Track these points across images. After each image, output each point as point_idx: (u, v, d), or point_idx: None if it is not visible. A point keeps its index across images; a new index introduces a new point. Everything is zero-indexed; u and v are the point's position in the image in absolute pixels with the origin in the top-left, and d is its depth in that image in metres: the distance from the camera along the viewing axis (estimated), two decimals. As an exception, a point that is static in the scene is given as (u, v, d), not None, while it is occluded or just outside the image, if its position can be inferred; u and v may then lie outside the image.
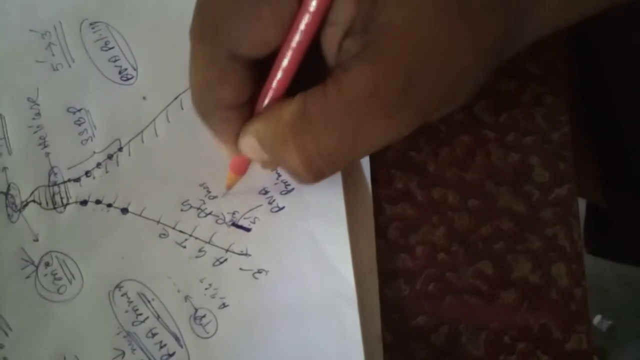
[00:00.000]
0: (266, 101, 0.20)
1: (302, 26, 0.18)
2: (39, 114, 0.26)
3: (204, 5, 0.19)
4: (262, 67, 0.20)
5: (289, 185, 0.25)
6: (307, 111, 0.18)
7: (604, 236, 0.45)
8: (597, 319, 0.87)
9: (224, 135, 0.21)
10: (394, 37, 0.17)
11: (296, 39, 0.18)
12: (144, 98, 0.26)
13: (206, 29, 0.19)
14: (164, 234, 0.25)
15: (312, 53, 0.19)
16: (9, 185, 0.26)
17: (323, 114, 0.18)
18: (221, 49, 0.19)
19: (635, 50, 0.34)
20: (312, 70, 0.19)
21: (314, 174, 0.19)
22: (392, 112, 0.18)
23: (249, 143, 0.20)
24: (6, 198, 0.26)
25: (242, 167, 0.23)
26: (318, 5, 0.18)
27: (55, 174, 0.26)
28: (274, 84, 0.20)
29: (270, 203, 0.24)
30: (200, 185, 0.25)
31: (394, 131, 0.19)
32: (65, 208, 0.25)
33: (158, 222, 0.25)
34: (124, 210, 0.25)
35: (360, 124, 0.18)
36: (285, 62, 0.19)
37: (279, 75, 0.19)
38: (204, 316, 0.24)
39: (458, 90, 0.19)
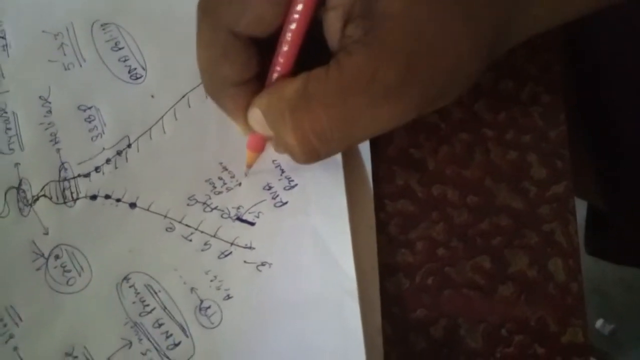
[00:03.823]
0: (274, 77, 0.21)
1: (299, 4, 0.19)
2: (50, 111, 0.27)
3: None
4: (271, 45, 0.20)
5: (292, 181, 0.25)
6: (307, 90, 0.19)
7: (605, 237, 0.45)
8: (599, 323, 0.87)
9: (234, 112, 0.22)
10: (393, 24, 0.18)
11: (298, 9, 0.19)
12: (152, 96, 0.27)
13: (208, 6, 0.20)
14: (171, 228, 0.25)
15: (320, 38, 0.20)
16: (20, 180, 0.27)
17: (322, 94, 0.19)
18: (221, 27, 0.19)
19: (630, 52, 0.35)
20: (320, 56, 0.19)
21: (308, 153, 0.20)
22: (390, 98, 0.18)
23: (255, 116, 0.21)
24: (18, 193, 0.26)
25: (259, 145, 0.24)
26: None
27: (66, 169, 0.26)
28: (279, 59, 0.20)
29: (274, 198, 0.25)
30: (206, 180, 0.26)
31: (391, 118, 0.19)
32: (75, 202, 0.26)
33: (165, 216, 0.25)
34: (132, 205, 0.26)
35: (357, 107, 0.19)
36: (288, 36, 0.20)
37: (284, 49, 0.20)
38: (209, 307, 0.24)
39: (454, 81, 0.19)
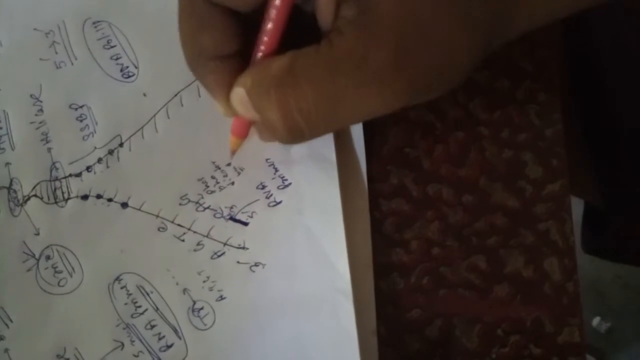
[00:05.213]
0: (258, 55, 0.20)
1: None
2: (41, 110, 0.27)
3: None
4: (256, 22, 0.20)
5: (286, 180, 0.25)
6: (294, 66, 0.19)
7: (602, 236, 0.45)
8: (595, 321, 0.87)
9: (215, 88, 0.21)
10: (388, 7, 0.18)
11: None
12: (144, 95, 0.27)
13: None
14: (163, 228, 0.25)
15: (307, 22, 0.19)
16: (11, 180, 0.26)
17: (310, 71, 0.18)
18: None
19: (628, 49, 0.35)
20: (308, 40, 0.19)
21: (293, 132, 0.20)
22: (380, 80, 0.18)
23: (238, 96, 0.20)
24: (9, 193, 0.26)
25: (242, 130, 0.23)
26: None
27: (57, 169, 0.26)
28: (264, 38, 0.20)
29: (267, 197, 0.25)
30: (199, 180, 0.25)
31: (379, 102, 0.19)
32: (66, 202, 0.26)
33: (157, 216, 0.25)
34: (124, 205, 0.25)
35: (346, 87, 0.18)
36: (272, 14, 0.19)
37: (268, 27, 0.20)
38: (202, 308, 0.24)
39: (448, 72, 0.19)
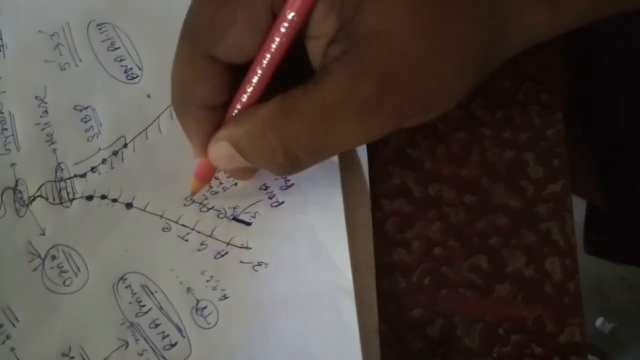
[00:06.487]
0: (238, 106, 0.21)
1: (276, 37, 0.19)
2: (46, 111, 0.27)
3: (193, 7, 0.20)
4: (240, 74, 0.20)
5: (288, 180, 0.25)
6: (284, 107, 0.19)
7: (604, 236, 0.45)
8: (599, 322, 0.87)
9: (195, 135, 0.22)
10: (372, 44, 0.18)
11: (272, 46, 0.19)
12: (148, 96, 0.27)
13: (190, 28, 0.20)
14: (167, 228, 0.25)
15: (292, 63, 0.20)
16: (17, 181, 0.27)
17: (300, 110, 0.19)
18: (200, 49, 0.20)
19: (631, 49, 0.35)
20: (291, 81, 0.20)
21: (292, 164, 0.20)
22: (366, 113, 0.19)
23: (220, 150, 0.21)
24: (14, 193, 0.26)
25: (207, 174, 0.24)
26: (294, 18, 0.19)
27: (62, 169, 0.26)
28: (248, 90, 0.20)
29: (270, 198, 0.25)
30: (203, 180, 0.26)
31: (368, 131, 0.20)
32: (71, 203, 0.26)
33: (161, 216, 0.25)
34: (129, 205, 0.26)
35: (334, 121, 0.19)
36: (258, 70, 0.20)
37: (254, 80, 0.20)
38: (206, 307, 0.24)
39: (436, 100, 0.20)
